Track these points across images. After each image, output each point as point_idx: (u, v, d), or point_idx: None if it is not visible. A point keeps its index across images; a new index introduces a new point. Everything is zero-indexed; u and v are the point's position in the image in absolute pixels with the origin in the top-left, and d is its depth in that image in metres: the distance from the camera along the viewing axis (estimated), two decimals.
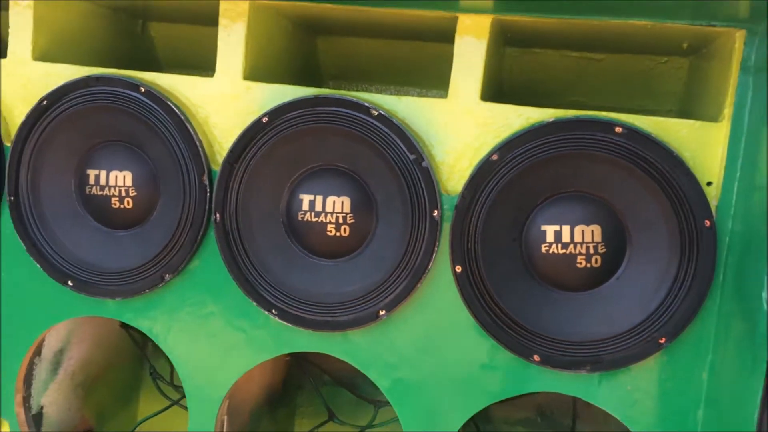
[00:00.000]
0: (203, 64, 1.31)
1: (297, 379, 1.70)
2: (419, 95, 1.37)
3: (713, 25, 1.08)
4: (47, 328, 1.35)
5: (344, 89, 1.43)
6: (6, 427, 1.39)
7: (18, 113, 1.31)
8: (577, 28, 1.17)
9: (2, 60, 1.32)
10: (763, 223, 0.97)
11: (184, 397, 1.36)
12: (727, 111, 1.07)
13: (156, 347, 1.34)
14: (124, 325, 1.62)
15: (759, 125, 1.04)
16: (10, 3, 1.29)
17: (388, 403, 1.22)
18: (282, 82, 1.22)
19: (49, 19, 1.33)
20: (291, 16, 1.35)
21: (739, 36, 1.05)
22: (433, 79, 1.49)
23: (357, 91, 1.33)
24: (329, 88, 1.46)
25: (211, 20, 1.25)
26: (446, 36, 1.18)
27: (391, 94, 1.20)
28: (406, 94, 1.45)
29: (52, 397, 1.49)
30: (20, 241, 1.30)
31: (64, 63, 1.30)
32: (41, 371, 1.44)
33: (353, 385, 1.65)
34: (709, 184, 1.08)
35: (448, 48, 1.16)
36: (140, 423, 1.67)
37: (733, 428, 1.03)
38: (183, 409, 1.47)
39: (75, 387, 1.55)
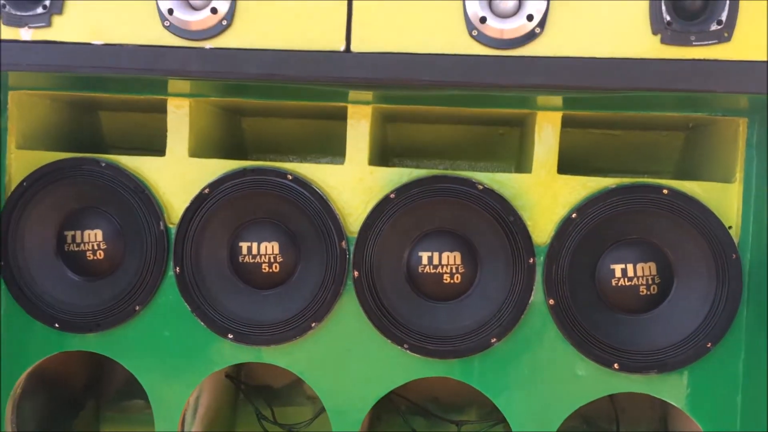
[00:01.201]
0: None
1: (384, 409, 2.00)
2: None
3: (718, 115, 1.51)
4: (209, 374, 1.62)
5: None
6: None
7: (177, 200, 1.60)
8: (606, 117, 1.59)
9: (162, 158, 1.62)
10: None
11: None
12: (739, 174, 1.49)
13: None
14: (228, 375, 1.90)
15: (762, 184, 1.46)
16: (168, 107, 1.60)
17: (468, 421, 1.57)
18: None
19: (200, 122, 1.65)
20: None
21: (743, 122, 1.48)
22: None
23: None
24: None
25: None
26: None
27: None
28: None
29: None
30: (186, 304, 1.59)
31: (213, 158, 1.63)
32: (189, 416, 1.70)
33: (427, 410, 1.97)
34: (729, 227, 1.49)
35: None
36: None
37: (761, 407, 1.41)
38: None
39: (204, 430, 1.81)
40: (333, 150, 1.78)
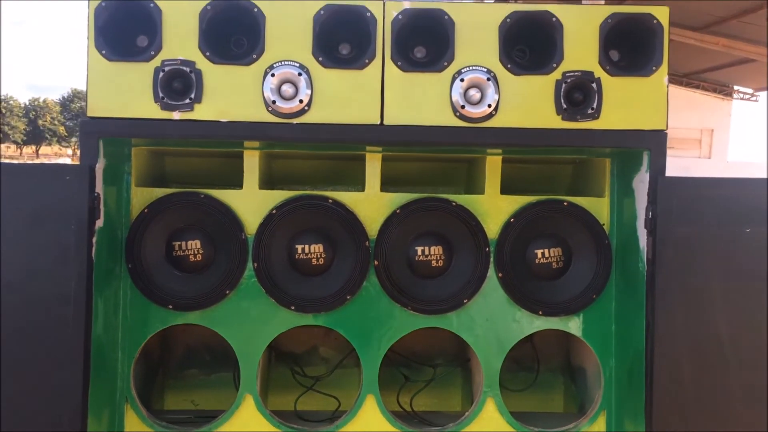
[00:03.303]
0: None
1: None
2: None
3: (593, 156, 2.47)
4: (277, 334, 2.39)
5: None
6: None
7: (252, 218, 2.37)
8: (527, 158, 2.52)
9: (241, 190, 2.39)
10: (632, 241, 2.33)
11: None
12: (607, 191, 2.45)
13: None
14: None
15: (620, 197, 2.43)
16: (245, 155, 2.37)
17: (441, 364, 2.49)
18: None
19: (264, 165, 2.43)
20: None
21: (608, 161, 2.44)
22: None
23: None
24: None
25: None
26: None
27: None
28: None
29: None
30: (261, 287, 2.36)
31: (274, 189, 2.42)
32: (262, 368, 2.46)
33: (410, 360, 2.81)
34: (603, 224, 2.44)
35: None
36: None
37: (631, 336, 2.36)
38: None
39: None
40: (348, 182, 2.59)
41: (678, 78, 23.34)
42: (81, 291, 2.02)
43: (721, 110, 25.41)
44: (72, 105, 59.67)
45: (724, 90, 25.02)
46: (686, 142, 25.17)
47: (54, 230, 2.02)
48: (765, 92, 24.03)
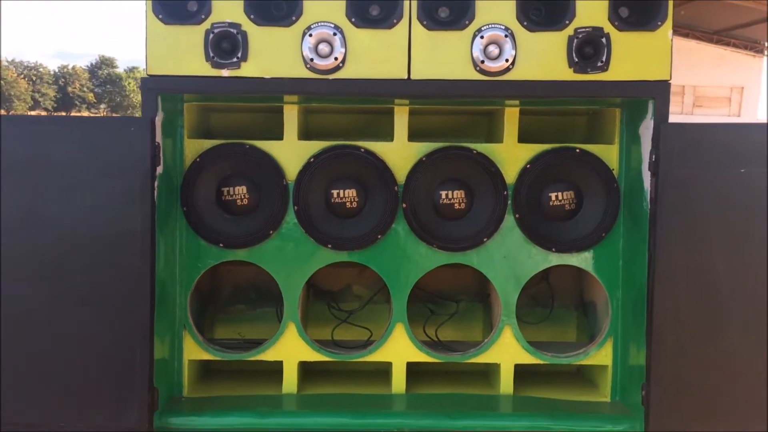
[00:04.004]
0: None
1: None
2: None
3: (604, 107, 2.68)
4: (316, 269, 2.67)
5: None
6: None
7: (292, 166, 2.62)
8: (544, 110, 2.74)
9: (281, 141, 2.64)
10: (638, 183, 2.54)
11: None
12: (616, 139, 2.66)
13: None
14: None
15: (629, 144, 2.64)
16: (285, 109, 2.63)
17: (464, 299, 2.77)
18: None
19: (303, 118, 2.68)
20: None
21: (618, 111, 2.65)
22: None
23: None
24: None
25: None
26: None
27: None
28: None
29: None
30: (301, 227, 2.63)
31: (311, 140, 2.67)
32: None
33: (436, 296, 3.07)
34: (612, 169, 2.66)
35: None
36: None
37: (636, 270, 2.59)
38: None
39: None
40: (377, 134, 2.82)
41: (708, 35, 22.95)
42: (146, 229, 2.31)
43: (752, 68, 24.97)
44: (100, 72, 60.31)
45: (755, 47, 24.54)
46: (716, 101, 24.85)
47: (121, 175, 2.30)
48: None
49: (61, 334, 2.31)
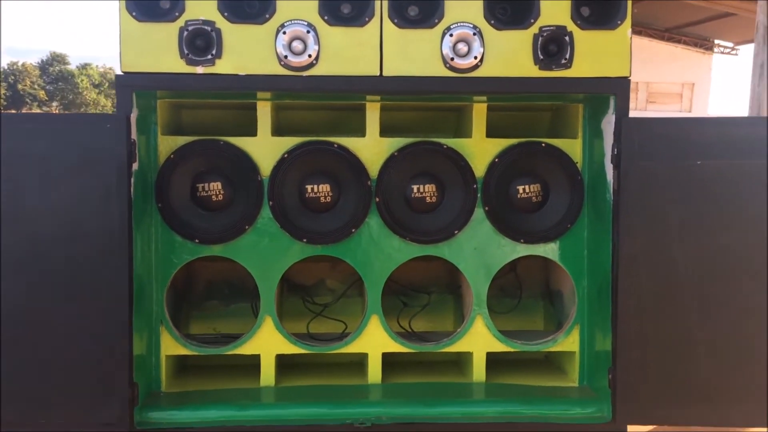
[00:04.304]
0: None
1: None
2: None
3: (567, 102, 2.78)
4: (291, 264, 2.71)
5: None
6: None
7: (266, 162, 2.66)
8: (510, 105, 2.83)
9: (255, 137, 2.68)
10: (601, 176, 2.65)
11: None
12: (580, 133, 2.76)
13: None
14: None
15: (591, 138, 2.74)
16: (258, 106, 2.66)
17: (435, 292, 2.84)
18: None
19: (276, 115, 2.72)
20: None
21: (581, 106, 2.76)
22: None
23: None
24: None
25: None
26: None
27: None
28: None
29: None
30: (276, 222, 2.67)
31: (285, 137, 2.71)
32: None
33: (407, 288, 3.15)
34: (576, 162, 2.77)
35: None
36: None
37: (600, 259, 2.70)
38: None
39: None
40: (350, 130, 2.87)
41: (660, 33, 23.56)
42: (124, 225, 2.33)
43: (702, 64, 25.73)
44: (51, 68, 58.76)
45: (704, 44, 25.29)
46: (668, 96, 25.53)
47: (98, 171, 2.32)
48: (745, 46, 24.33)
49: (40, 330, 2.31)
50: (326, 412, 2.53)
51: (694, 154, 2.43)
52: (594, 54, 2.49)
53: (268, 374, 2.71)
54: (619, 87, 2.51)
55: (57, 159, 2.32)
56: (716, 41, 25.27)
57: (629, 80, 2.53)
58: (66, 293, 2.35)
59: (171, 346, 2.68)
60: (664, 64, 22.66)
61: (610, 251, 2.55)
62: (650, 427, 3.11)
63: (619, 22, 2.48)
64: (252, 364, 2.73)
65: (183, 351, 2.70)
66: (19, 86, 55.34)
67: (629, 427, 2.58)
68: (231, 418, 2.50)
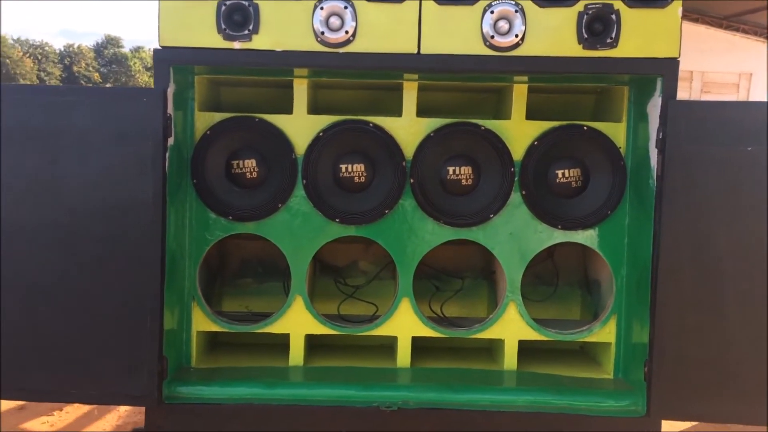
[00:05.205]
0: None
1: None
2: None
3: (612, 84, 2.68)
4: (324, 243, 2.70)
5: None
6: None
7: (302, 140, 2.65)
8: (552, 87, 2.74)
9: (291, 115, 2.66)
10: (645, 161, 2.56)
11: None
12: (624, 117, 2.67)
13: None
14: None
15: (636, 122, 2.64)
16: (295, 84, 2.64)
17: (469, 276, 2.79)
18: None
19: (313, 93, 2.70)
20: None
21: (626, 89, 2.66)
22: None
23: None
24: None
25: None
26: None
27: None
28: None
29: None
30: (309, 201, 2.65)
31: (321, 115, 2.68)
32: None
33: (441, 272, 3.10)
34: (619, 147, 2.67)
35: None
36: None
37: (641, 248, 2.61)
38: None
39: None
40: (386, 110, 2.83)
41: (718, 20, 22.74)
42: (158, 198, 2.34)
43: (761, 54, 24.76)
44: (105, 51, 60.08)
45: (765, 33, 24.32)
46: (724, 87, 24.66)
47: (133, 145, 2.33)
48: None
49: (72, 301, 2.35)
50: (353, 393, 2.51)
51: (745, 139, 2.32)
52: (641, 33, 2.39)
53: (297, 354, 2.71)
54: (667, 68, 2.40)
55: (95, 132, 2.34)
56: None
57: (678, 61, 2.42)
58: (99, 265, 2.37)
59: (202, 322, 2.70)
60: (722, 53, 21.86)
61: (651, 240, 2.46)
62: (684, 425, 3.02)
63: (669, 0, 2.37)
64: (282, 343, 2.73)
65: (214, 327, 2.71)
66: (75, 68, 56.74)
67: (663, 425, 2.49)
68: (258, 395, 2.50)
